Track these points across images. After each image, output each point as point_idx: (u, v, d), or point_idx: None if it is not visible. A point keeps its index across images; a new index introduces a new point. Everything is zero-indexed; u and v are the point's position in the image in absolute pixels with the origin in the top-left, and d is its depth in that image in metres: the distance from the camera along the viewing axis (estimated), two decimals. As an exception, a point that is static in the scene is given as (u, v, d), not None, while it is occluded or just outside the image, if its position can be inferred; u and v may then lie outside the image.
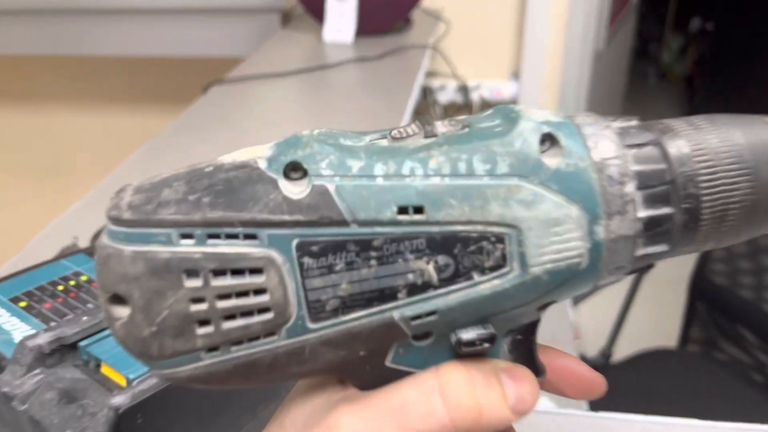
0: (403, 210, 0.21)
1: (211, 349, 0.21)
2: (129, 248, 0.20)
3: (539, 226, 0.21)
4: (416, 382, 0.23)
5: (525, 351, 0.25)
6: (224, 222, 0.20)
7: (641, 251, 0.22)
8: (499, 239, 0.21)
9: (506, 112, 0.23)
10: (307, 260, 0.21)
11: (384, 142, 0.22)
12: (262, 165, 0.21)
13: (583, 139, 0.22)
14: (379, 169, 0.21)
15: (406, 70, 1.17)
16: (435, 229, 0.21)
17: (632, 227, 0.22)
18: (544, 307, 0.24)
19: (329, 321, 0.21)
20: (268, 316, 0.21)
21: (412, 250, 0.21)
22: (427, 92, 1.61)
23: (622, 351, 1.23)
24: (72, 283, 0.45)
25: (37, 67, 1.81)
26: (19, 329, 0.41)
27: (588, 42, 1.61)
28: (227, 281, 0.20)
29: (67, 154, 1.92)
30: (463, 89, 1.60)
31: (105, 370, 0.39)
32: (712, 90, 3.03)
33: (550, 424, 0.50)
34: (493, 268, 0.21)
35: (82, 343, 0.39)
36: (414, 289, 0.21)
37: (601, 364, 1.22)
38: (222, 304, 0.21)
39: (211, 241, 0.20)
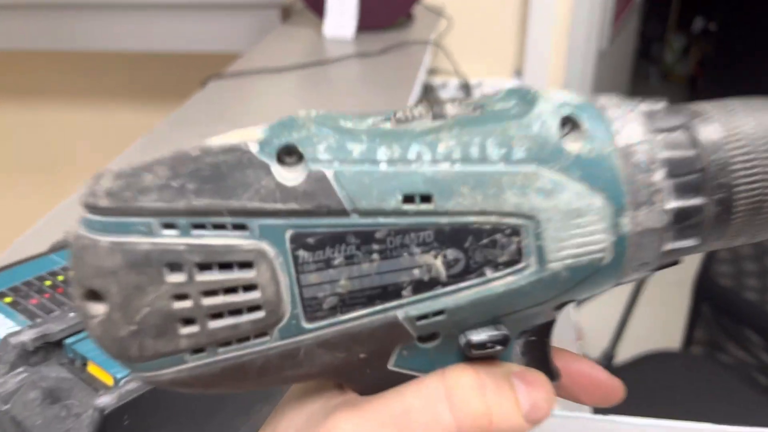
0: (408, 199, 0.19)
1: (197, 350, 0.20)
2: (106, 239, 0.19)
3: (559, 218, 0.19)
4: (420, 387, 0.21)
5: (539, 354, 0.23)
6: (211, 210, 0.18)
7: (669, 246, 0.20)
8: (515, 231, 0.19)
9: (522, 93, 0.21)
10: (302, 253, 0.19)
11: (388, 125, 0.20)
12: (254, 148, 0.19)
13: (607, 123, 0.20)
14: (382, 153, 0.19)
15: (408, 66, 1.15)
16: (444, 219, 0.19)
17: (660, 219, 0.20)
18: (561, 306, 0.22)
19: (326, 320, 0.19)
20: (259, 314, 0.19)
21: (419, 243, 0.19)
22: (428, 90, 1.59)
23: (625, 353, 1.22)
24: (60, 278, 0.44)
25: (34, 62, 1.80)
26: (3, 326, 0.40)
27: (591, 40, 1.59)
28: (214, 276, 0.19)
29: (66, 149, 1.90)
30: (465, 87, 1.59)
31: (92, 369, 0.38)
32: (715, 91, 3.00)
33: (551, 426, 0.48)
34: (507, 264, 0.19)
35: (68, 341, 0.38)
36: (420, 286, 0.19)
37: (604, 365, 1.19)
38: (208, 301, 0.19)
39: (196, 232, 0.18)
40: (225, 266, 0.19)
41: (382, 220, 0.19)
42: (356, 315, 0.20)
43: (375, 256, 0.19)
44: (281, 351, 0.20)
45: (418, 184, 0.19)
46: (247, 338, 0.19)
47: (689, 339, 1.26)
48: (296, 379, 0.21)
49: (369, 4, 1.30)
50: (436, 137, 0.19)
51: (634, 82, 3.05)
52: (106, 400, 0.35)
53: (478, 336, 0.20)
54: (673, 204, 0.20)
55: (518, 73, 1.62)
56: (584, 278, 0.20)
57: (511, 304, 0.20)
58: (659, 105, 0.21)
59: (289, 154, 0.19)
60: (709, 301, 1.22)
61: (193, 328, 0.19)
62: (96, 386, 0.37)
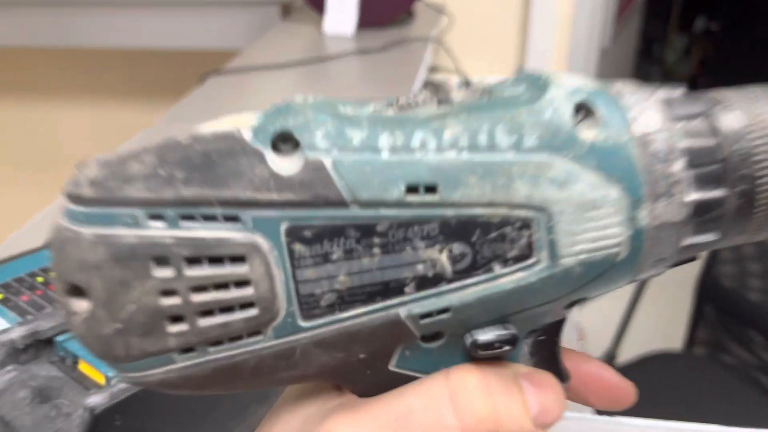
0: (412, 189, 0.18)
1: (186, 350, 0.18)
2: (89, 231, 0.17)
3: (572, 210, 0.18)
4: (423, 388, 0.20)
5: (548, 354, 0.22)
6: (201, 201, 0.17)
7: (688, 240, 0.19)
8: (525, 225, 0.18)
9: (533, 78, 0.20)
10: (298, 247, 0.18)
11: (390, 112, 0.19)
12: (247, 135, 0.18)
13: (623, 110, 0.19)
14: (384, 140, 0.18)
15: (408, 63, 1.14)
16: (450, 212, 0.18)
17: (679, 212, 0.19)
18: (572, 304, 0.21)
19: (324, 319, 0.18)
20: (252, 312, 0.18)
21: (423, 237, 0.18)
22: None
23: (627, 353, 1.21)
24: (52, 274, 0.43)
25: (31, 59, 1.79)
26: (-8, 323, 0.39)
27: (593, 39, 1.58)
28: (204, 271, 0.17)
29: (63, 146, 1.89)
30: (466, 85, 1.57)
31: (83, 367, 0.37)
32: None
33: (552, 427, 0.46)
34: (517, 259, 0.18)
35: (59, 338, 0.38)
36: (424, 283, 0.18)
37: (606, 366, 1.19)
38: (197, 297, 0.18)
39: (184, 224, 0.17)
40: (216, 260, 0.17)
41: (383, 212, 0.18)
42: (356, 313, 0.18)
43: (376, 250, 0.18)
44: (276, 351, 0.18)
45: (423, 174, 0.18)
46: (239, 337, 0.18)
47: (691, 339, 1.25)
48: (292, 380, 0.20)
49: (369, 1, 1.29)
50: (441, 123, 0.18)
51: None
52: (96, 400, 0.34)
53: (485, 335, 0.19)
54: (693, 196, 0.19)
55: (519, 71, 1.61)
56: (598, 274, 0.19)
57: (521, 301, 0.19)
58: (677, 91, 0.20)
59: (284, 142, 0.18)
60: (712, 301, 1.21)
61: (181, 326, 0.18)
62: (87, 385, 0.37)
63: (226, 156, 0.18)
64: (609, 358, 1.21)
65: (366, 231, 0.18)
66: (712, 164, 0.19)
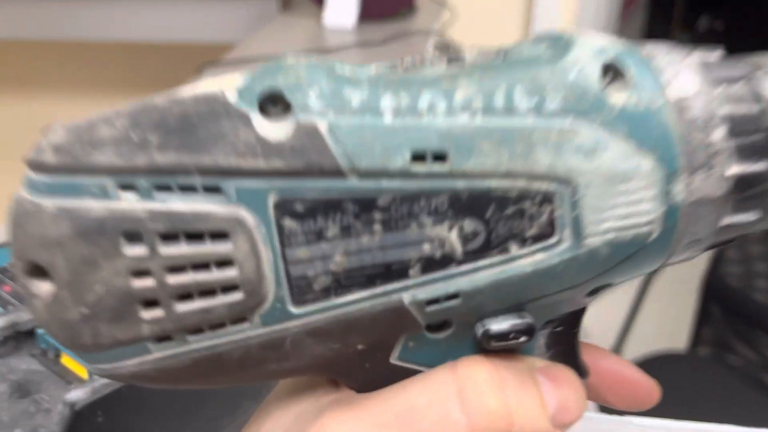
0: (418, 157, 0.16)
1: (162, 338, 0.16)
2: (51, 203, 0.15)
3: (600, 182, 0.16)
4: (427, 383, 0.18)
5: (566, 347, 0.20)
6: (177, 169, 0.15)
7: (727, 219, 0.17)
8: (547, 199, 0.16)
9: (554, 37, 0.17)
10: (288, 223, 0.16)
11: (394, 74, 0.17)
12: (231, 96, 0.16)
13: (656, 72, 0.17)
14: (387, 102, 0.16)
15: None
16: (461, 183, 0.16)
17: (719, 187, 0.16)
18: (595, 291, 0.19)
19: (318, 304, 0.16)
20: (237, 296, 0.16)
21: (430, 212, 0.16)
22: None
23: (630, 353, 1.19)
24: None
25: (29, 52, 1.77)
26: (-27, 315, 0.38)
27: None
28: (181, 249, 0.15)
29: (59, 141, 1.88)
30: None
31: (66, 360, 0.36)
32: (719, 90, 2.97)
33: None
34: (536, 238, 0.16)
35: (41, 330, 0.37)
36: (430, 265, 0.16)
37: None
38: (174, 279, 0.16)
39: (159, 195, 0.15)
40: (194, 237, 0.15)
41: (385, 183, 0.16)
42: (353, 298, 0.16)
43: (377, 227, 0.16)
44: (263, 340, 0.16)
45: (431, 140, 0.16)
46: (222, 325, 0.16)
47: (696, 339, 1.23)
48: (282, 373, 0.19)
49: (370, -7, 1.27)
50: (452, 83, 0.16)
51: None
52: (77, 395, 0.33)
53: (499, 325, 0.17)
54: (734, 169, 0.17)
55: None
56: (627, 256, 0.17)
57: (540, 287, 0.17)
58: (714, 54, 0.18)
59: (274, 103, 0.16)
60: (718, 301, 1.19)
61: (156, 312, 0.16)
62: (69, 379, 0.36)
63: (207, 119, 0.15)
64: (612, 358, 1.19)
65: (365, 205, 0.16)
66: (755, 133, 0.17)
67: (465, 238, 0.16)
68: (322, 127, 0.15)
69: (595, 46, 0.17)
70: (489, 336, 0.17)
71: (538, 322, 0.18)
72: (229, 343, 0.17)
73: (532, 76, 0.16)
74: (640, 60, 0.17)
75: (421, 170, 0.16)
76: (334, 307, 0.16)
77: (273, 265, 0.16)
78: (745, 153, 0.17)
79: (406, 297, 0.16)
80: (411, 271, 0.16)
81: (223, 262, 0.16)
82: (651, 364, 1.11)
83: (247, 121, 0.15)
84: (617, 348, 1.20)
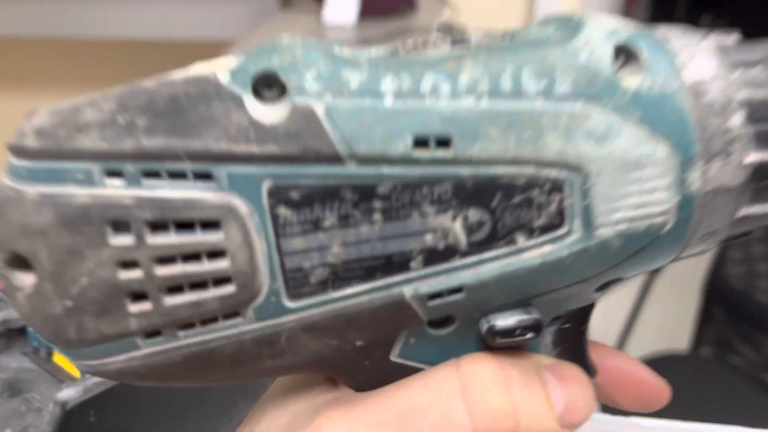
0: (421, 142, 0.15)
1: (151, 333, 0.16)
2: (34, 190, 0.15)
3: (612, 170, 0.15)
4: (429, 380, 0.17)
5: (574, 345, 0.19)
6: (166, 154, 0.14)
7: (745, 211, 0.16)
8: (556, 187, 0.15)
9: (564, 18, 0.17)
10: (283, 211, 0.15)
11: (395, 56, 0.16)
12: (223, 78, 0.15)
13: (671, 55, 0.16)
14: (388, 84, 0.15)
15: (411, 53, 1.12)
16: (466, 170, 0.15)
17: (737, 175, 0.16)
18: (605, 286, 0.18)
19: (314, 298, 0.15)
20: (229, 289, 0.15)
21: (433, 201, 0.15)
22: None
23: (632, 353, 1.18)
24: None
25: (29, 49, 1.77)
26: (-37, 312, 0.37)
27: (600, 31, 1.56)
28: (170, 238, 0.15)
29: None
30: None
31: (58, 359, 0.35)
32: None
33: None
34: (545, 229, 0.15)
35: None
36: (433, 256, 0.15)
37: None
38: (163, 270, 0.15)
39: (147, 181, 0.14)
40: (184, 226, 0.15)
41: (386, 170, 0.15)
42: (352, 292, 0.16)
43: (376, 216, 0.15)
44: (257, 336, 0.16)
45: (434, 124, 0.15)
46: (214, 319, 0.16)
47: (698, 340, 1.23)
48: (278, 371, 0.18)
49: (371, -10, 1.27)
50: (457, 65, 0.15)
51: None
52: (69, 394, 0.32)
53: (505, 321, 0.16)
54: (753, 157, 0.16)
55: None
56: (640, 249, 0.16)
57: (548, 281, 0.16)
58: (731, 38, 0.17)
59: (268, 86, 0.15)
60: (720, 302, 1.18)
61: (144, 305, 0.15)
62: (61, 378, 0.35)
63: (198, 101, 0.15)
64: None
65: (365, 193, 0.15)
66: (775, 119, 0.16)
67: (470, 229, 0.15)
68: (319, 110, 0.15)
69: (606, 28, 0.16)
70: (494, 332, 0.17)
71: (546, 318, 0.18)
72: (221, 339, 0.16)
73: (540, 57, 0.15)
74: (653, 42, 0.16)
75: (424, 156, 0.15)
76: (331, 301, 0.16)
77: (267, 257, 0.15)
78: (765, 140, 0.16)
79: (408, 291, 0.16)
80: (412, 264, 0.15)
81: (215, 253, 0.15)
82: (653, 365, 1.10)
83: (239, 103, 0.15)
84: (619, 348, 1.20)
